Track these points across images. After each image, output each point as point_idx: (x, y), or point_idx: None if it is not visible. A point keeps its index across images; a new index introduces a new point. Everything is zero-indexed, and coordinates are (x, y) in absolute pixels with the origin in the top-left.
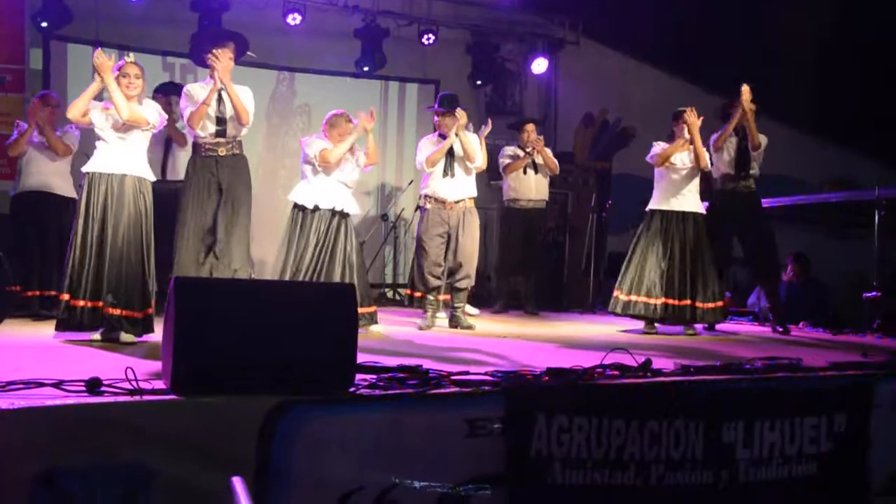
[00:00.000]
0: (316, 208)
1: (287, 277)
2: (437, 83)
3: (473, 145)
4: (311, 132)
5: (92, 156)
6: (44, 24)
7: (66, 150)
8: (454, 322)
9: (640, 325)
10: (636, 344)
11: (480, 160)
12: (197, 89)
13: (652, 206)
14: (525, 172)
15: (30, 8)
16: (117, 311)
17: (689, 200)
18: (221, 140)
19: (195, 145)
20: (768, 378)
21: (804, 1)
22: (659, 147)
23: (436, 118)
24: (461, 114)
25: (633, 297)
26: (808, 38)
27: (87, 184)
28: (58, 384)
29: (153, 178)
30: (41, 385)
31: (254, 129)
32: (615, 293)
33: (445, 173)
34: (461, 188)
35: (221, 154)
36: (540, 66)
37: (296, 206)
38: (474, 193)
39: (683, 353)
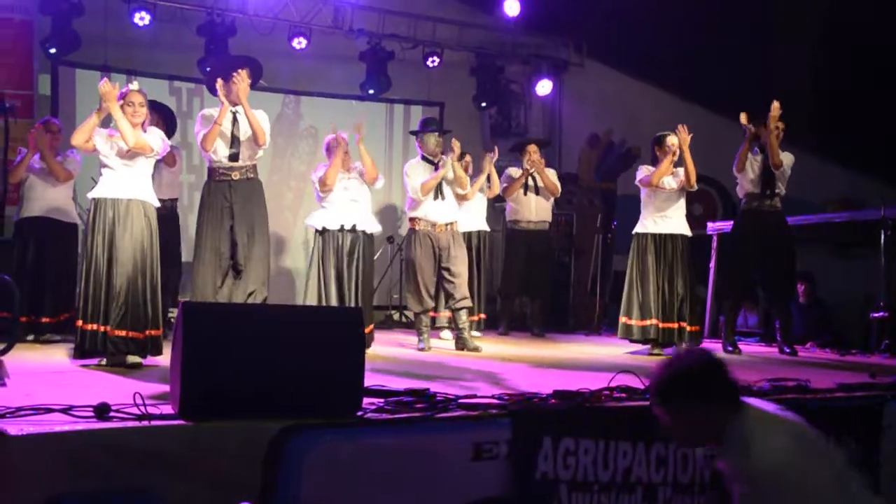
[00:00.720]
0: (325, 230)
1: (313, 302)
2: (442, 105)
3: (464, 173)
4: (317, 154)
5: (97, 182)
6: (52, 51)
7: (67, 175)
8: (460, 343)
9: (647, 346)
10: (643, 366)
11: (470, 188)
12: (214, 114)
13: (638, 229)
14: (525, 194)
15: (38, 34)
16: (122, 333)
17: (676, 222)
18: (235, 165)
19: (210, 170)
20: (776, 400)
21: (804, 19)
22: (646, 170)
23: (416, 140)
24: (455, 143)
25: (633, 322)
26: (809, 57)
27: (93, 209)
28: (67, 409)
29: (157, 203)
30: (50, 411)
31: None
32: (620, 318)
33: (436, 196)
34: (451, 211)
35: (235, 178)
36: (544, 87)
37: (315, 231)
38: (459, 217)
39: None
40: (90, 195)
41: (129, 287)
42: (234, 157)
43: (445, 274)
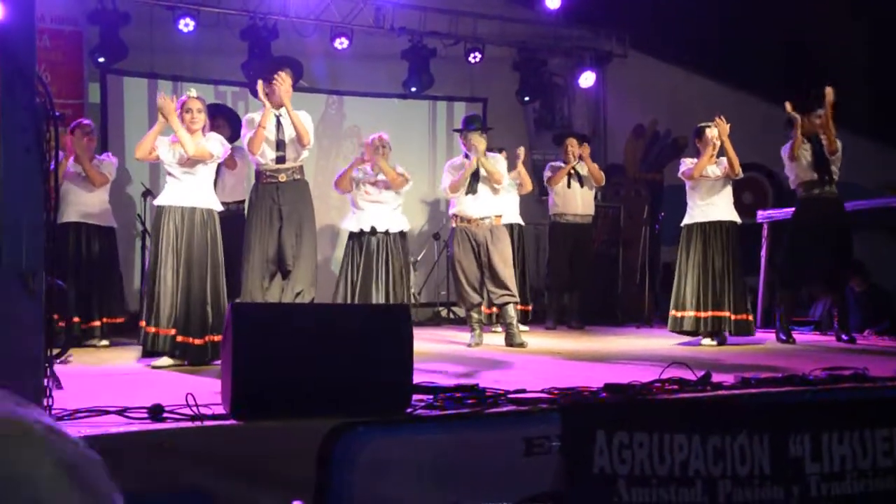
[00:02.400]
0: (361, 232)
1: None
2: (485, 101)
3: (497, 167)
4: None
5: (146, 187)
6: (101, 60)
7: (102, 179)
8: (509, 339)
9: (698, 337)
10: (695, 357)
11: (506, 181)
12: (257, 118)
13: (686, 220)
14: (569, 186)
15: (87, 44)
16: (184, 339)
17: (722, 209)
18: (281, 166)
19: (257, 173)
20: (833, 389)
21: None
22: (689, 163)
23: (460, 138)
24: (479, 139)
25: (683, 313)
26: (861, 39)
27: (156, 216)
28: (121, 411)
29: (220, 208)
30: (106, 412)
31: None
32: (670, 311)
33: (468, 192)
34: (486, 206)
35: (282, 181)
36: (588, 79)
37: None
38: (501, 212)
39: (743, 366)
40: (155, 202)
41: (191, 292)
42: (280, 160)
43: (484, 269)
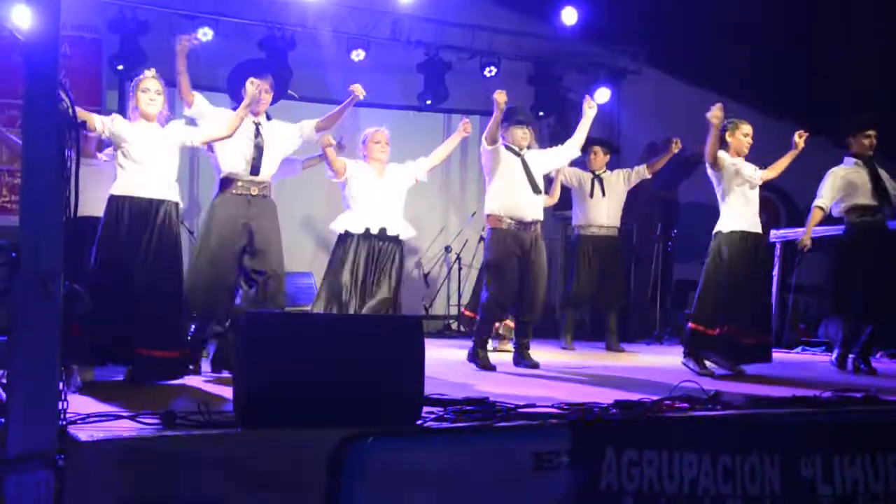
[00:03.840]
0: (348, 234)
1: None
2: None
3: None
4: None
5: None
6: (120, 67)
7: None
8: (521, 359)
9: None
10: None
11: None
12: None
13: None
14: (592, 196)
15: (106, 52)
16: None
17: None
18: (255, 179)
19: (226, 180)
20: (846, 411)
21: (872, 19)
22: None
23: (503, 133)
24: (526, 133)
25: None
26: (883, 54)
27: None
28: (134, 416)
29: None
30: (119, 417)
31: (321, 164)
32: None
33: (535, 190)
34: (538, 209)
35: (253, 194)
36: (603, 95)
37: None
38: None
39: (754, 384)
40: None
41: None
42: (254, 171)
43: (523, 284)
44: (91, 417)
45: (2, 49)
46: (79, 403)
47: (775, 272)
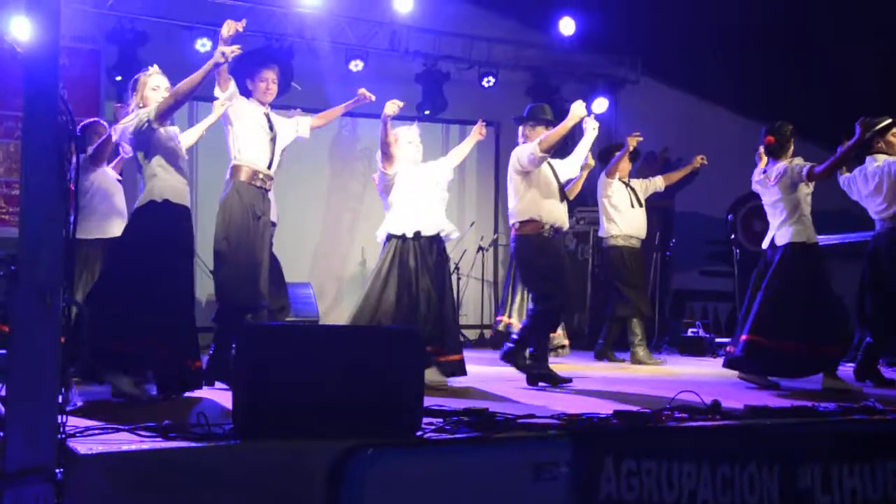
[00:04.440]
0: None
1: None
2: (498, 125)
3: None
4: (373, 175)
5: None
6: (118, 78)
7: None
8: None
9: (710, 364)
10: (703, 383)
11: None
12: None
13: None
14: (633, 206)
15: (105, 63)
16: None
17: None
18: (269, 172)
19: (244, 170)
20: (844, 421)
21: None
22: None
23: (524, 131)
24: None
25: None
26: (876, 63)
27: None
28: (133, 429)
29: None
30: (118, 430)
31: (318, 174)
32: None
33: (562, 198)
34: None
35: (267, 188)
36: (601, 105)
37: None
38: None
39: (754, 395)
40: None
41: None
42: (270, 165)
43: None
44: (90, 430)
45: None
46: (78, 416)
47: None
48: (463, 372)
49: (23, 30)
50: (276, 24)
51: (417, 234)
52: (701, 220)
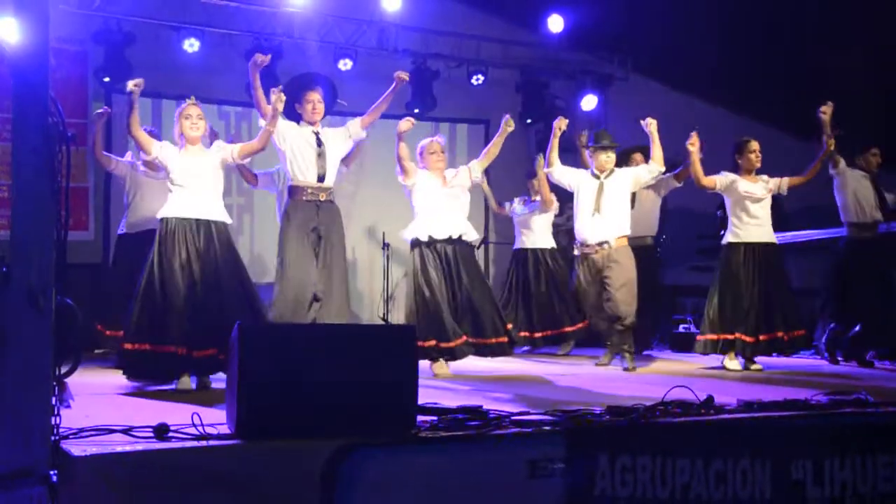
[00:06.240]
0: (420, 241)
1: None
2: (487, 123)
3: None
4: (362, 174)
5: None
6: (106, 79)
7: None
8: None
9: (703, 359)
10: (696, 379)
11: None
12: (290, 123)
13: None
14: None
15: (92, 64)
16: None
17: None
18: (322, 185)
19: (296, 189)
20: (836, 414)
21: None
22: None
23: (589, 154)
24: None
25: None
26: (864, 62)
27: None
28: (127, 430)
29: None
30: (112, 431)
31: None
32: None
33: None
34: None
35: (322, 199)
36: (590, 102)
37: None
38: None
39: (747, 389)
40: (160, 215)
41: (211, 306)
42: (321, 178)
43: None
44: (84, 432)
45: None
46: (71, 417)
47: None
48: (503, 353)
49: (11, 31)
50: (264, 24)
51: (432, 238)
52: (691, 216)
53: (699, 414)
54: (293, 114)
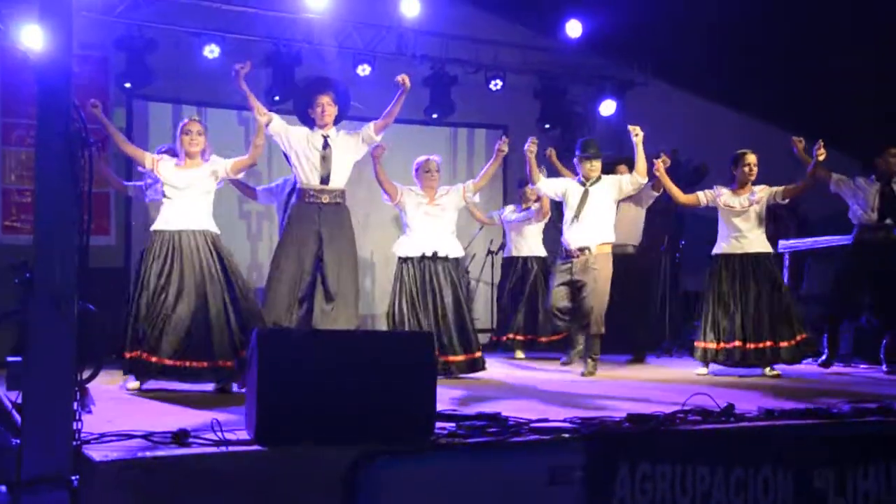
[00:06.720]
0: (406, 258)
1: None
2: (506, 128)
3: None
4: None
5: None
6: (127, 85)
7: None
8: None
9: (722, 367)
10: (716, 386)
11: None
12: (296, 128)
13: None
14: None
15: (113, 70)
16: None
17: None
18: (326, 188)
19: (300, 191)
20: (859, 422)
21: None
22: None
23: (575, 160)
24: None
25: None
26: (881, 67)
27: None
28: (147, 436)
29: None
30: (132, 437)
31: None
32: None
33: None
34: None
35: (325, 202)
36: (608, 107)
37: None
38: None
39: (768, 396)
40: (153, 228)
41: (208, 316)
42: (324, 180)
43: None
44: (105, 437)
45: (8, 68)
46: (92, 423)
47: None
48: (475, 369)
49: (35, 38)
50: (283, 30)
51: (411, 255)
52: (710, 222)
53: (720, 421)
54: (306, 118)
